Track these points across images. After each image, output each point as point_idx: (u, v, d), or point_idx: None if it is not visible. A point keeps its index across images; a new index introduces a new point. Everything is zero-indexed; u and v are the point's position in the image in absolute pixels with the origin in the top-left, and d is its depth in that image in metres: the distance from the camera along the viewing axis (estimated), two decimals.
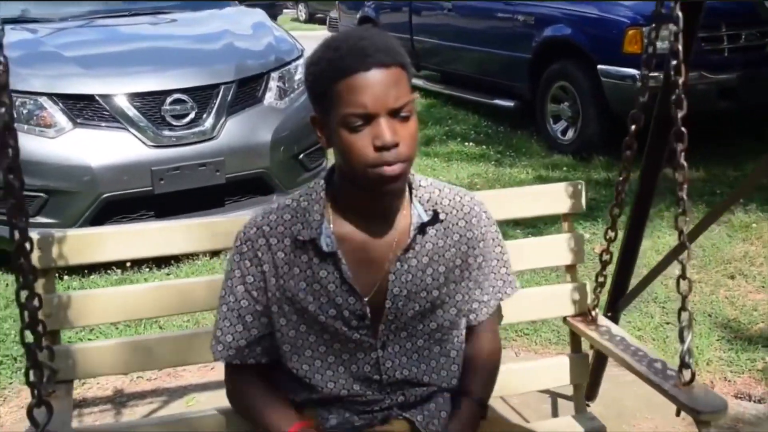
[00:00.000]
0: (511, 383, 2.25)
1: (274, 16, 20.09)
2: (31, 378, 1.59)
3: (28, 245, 1.63)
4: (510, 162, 6.65)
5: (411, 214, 1.68)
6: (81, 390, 3.31)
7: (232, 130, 4.64)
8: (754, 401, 3.15)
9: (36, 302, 1.67)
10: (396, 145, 1.50)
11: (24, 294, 1.59)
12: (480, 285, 1.81)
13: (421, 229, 1.68)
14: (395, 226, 1.67)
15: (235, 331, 1.69)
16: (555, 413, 3.00)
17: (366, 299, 1.64)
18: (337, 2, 12.52)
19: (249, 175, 4.72)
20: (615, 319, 2.78)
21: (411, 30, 9.40)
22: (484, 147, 7.15)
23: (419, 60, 9.51)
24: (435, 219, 1.70)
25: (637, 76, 5.07)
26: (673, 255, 2.05)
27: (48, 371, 1.84)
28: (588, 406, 3.04)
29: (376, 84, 1.48)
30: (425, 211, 1.69)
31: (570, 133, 6.79)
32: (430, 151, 7.10)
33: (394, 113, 1.50)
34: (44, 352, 1.83)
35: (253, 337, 1.69)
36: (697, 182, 5.80)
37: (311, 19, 22.26)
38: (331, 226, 1.64)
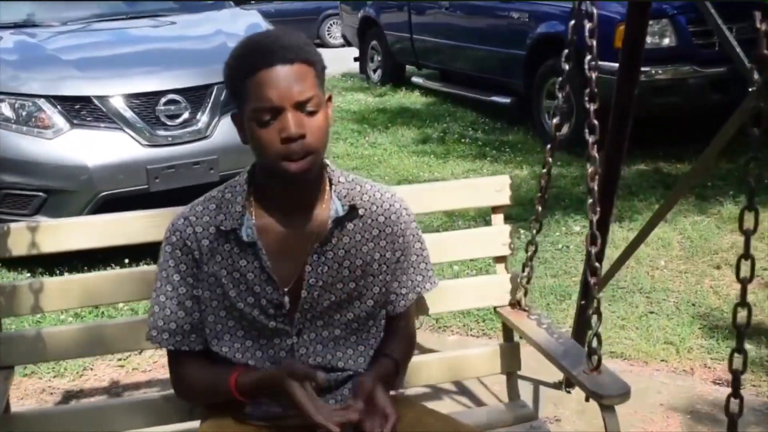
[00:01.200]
0: (443, 370, 2.31)
1: None
2: None
3: None
4: (506, 158, 6.72)
5: (330, 207, 1.74)
6: (78, 381, 3.40)
7: (226, 129, 4.71)
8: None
9: None
10: (302, 137, 1.58)
11: None
12: (398, 278, 1.86)
13: (338, 222, 1.74)
14: (314, 219, 1.73)
15: (177, 318, 1.73)
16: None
17: (286, 289, 1.71)
18: (339, 3, 12.60)
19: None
20: (587, 307, 2.86)
21: (410, 29, 9.48)
22: (480, 143, 7.22)
23: (419, 58, 9.60)
24: (352, 214, 1.76)
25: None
26: (630, 248, 2.11)
27: None
28: (569, 392, 3.14)
29: (280, 79, 1.57)
30: (342, 206, 1.74)
31: (566, 129, 6.84)
32: (427, 148, 7.17)
33: (300, 107, 1.58)
34: None
35: (196, 321, 1.74)
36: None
37: None
38: (253, 217, 1.71)
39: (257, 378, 1.67)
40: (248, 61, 1.59)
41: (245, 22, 5.75)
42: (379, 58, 10.76)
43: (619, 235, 4.69)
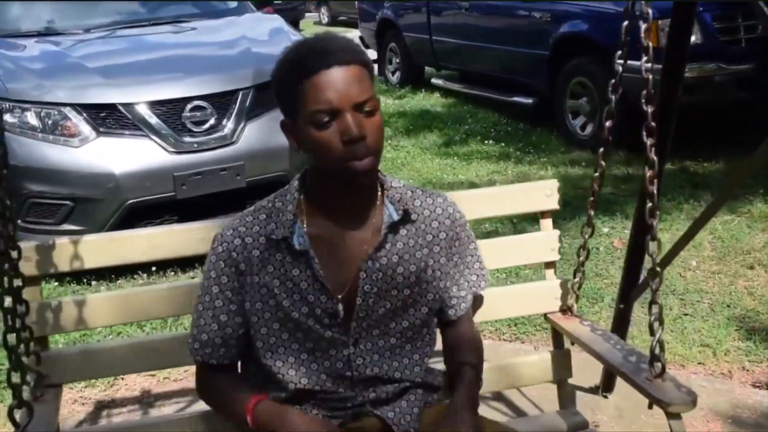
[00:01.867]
0: (494, 380, 2.28)
1: (296, 21, 20.07)
2: (13, 380, 1.62)
3: (15, 253, 1.68)
4: (530, 159, 6.67)
5: (383, 213, 1.72)
6: (110, 391, 3.39)
7: (252, 135, 4.72)
8: None
9: (23, 308, 1.73)
10: (363, 138, 1.55)
11: (8, 300, 1.63)
12: (456, 282, 1.85)
13: (393, 228, 1.72)
14: (367, 225, 1.71)
15: (210, 330, 1.72)
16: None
17: (339, 297, 1.68)
18: (356, 3, 12.58)
19: (269, 179, 4.78)
20: (628, 311, 2.83)
21: (430, 30, 9.44)
22: (503, 145, 7.18)
23: (438, 60, 9.56)
24: (406, 218, 1.74)
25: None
26: (676, 248, 2.08)
27: (35, 375, 1.89)
28: (606, 397, 3.10)
29: (338, 80, 1.55)
30: (396, 210, 1.72)
31: (589, 129, 6.80)
32: (449, 150, 7.13)
33: (358, 108, 1.56)
34: (31, 357, 1.88)
35: (228, 336, 1.73)
36: (716, 174, 5.80)
37: (334, 21, 22.32)
38: (305, 225, 1.69)
39: (274, 414, 1.67)
40: (305, 64, 1.56)
41: (268, 27, 5.74)
42: (398, 60, 10.73)
43: None
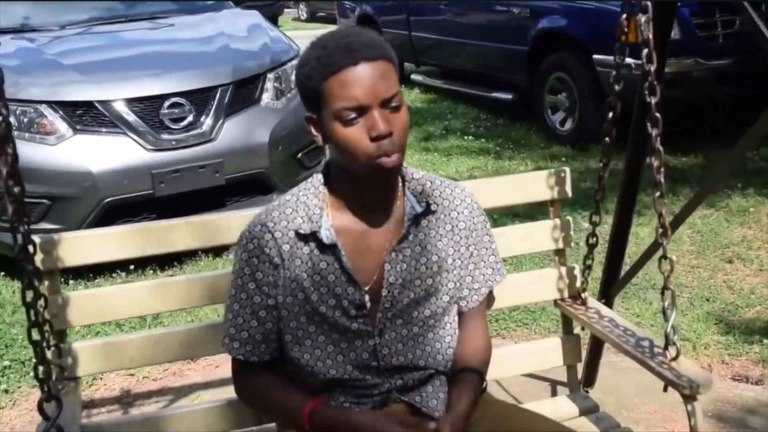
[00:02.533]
0: (505, 366, 2.30)
1: (275, 17, 19.96)
2: (40, 374, 1.64)
3: (31, 248, 1.68)
4: (509, 154, 6.69)
5: (405, 205, 1.73)
6: (89, 391, 3.36)
7: (231, 132, 4.68)
8: (752, 383, 3.18)
9: (42, 302, 1.73)
10: (391, 134, 1.56)
11: (29, 294, 1.64)
12: (471, 273, 1.86)
13: (415, 220, 1.74)
14: (390, 217, 1.73)
15: (250, 327, 1.73)
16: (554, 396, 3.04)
17: (366, 289, 1.70)
18: (336, 1, 12.55)
19: (248, 176, 4.77)
20: (609, 305, 2.82)
21: (409, 26, 9.44)
22: (483, 140, 7.19)
23: (418, 56, 9.55)
24: (428, 210, 1.75)
25: (633, 65, 5.10)
26: (656, 243, 2.08)
27: (57, 369, 1.90)
28: (587, 392, 3.10)
29: (365, 77, 1.55)
30: (418, 202, 1.74)
31: (568, 124, 6.82)
32: (429, 146, 7.14)
33: (385, 104, 1.57)
34: (52, 351, 1.89)
35: (268, 331, 1.74)
36: (695, 169, 5.83)
37: (313, 18, 22.28)
38: (330, 218, 1.70)
39: (336, 417, 1.68)
40: (331, 60, 1.56)
41: (246, 23, 5.70)
42: None
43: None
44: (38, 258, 1.87)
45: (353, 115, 1.56)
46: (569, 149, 6.58)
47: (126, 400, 3.33)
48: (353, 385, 1.75)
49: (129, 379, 3.45)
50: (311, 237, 1.69)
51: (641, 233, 4.59)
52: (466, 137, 7.33)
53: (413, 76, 9.91)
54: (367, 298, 1.70)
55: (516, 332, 3.71)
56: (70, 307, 1.97)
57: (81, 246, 2.00)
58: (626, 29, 1.97)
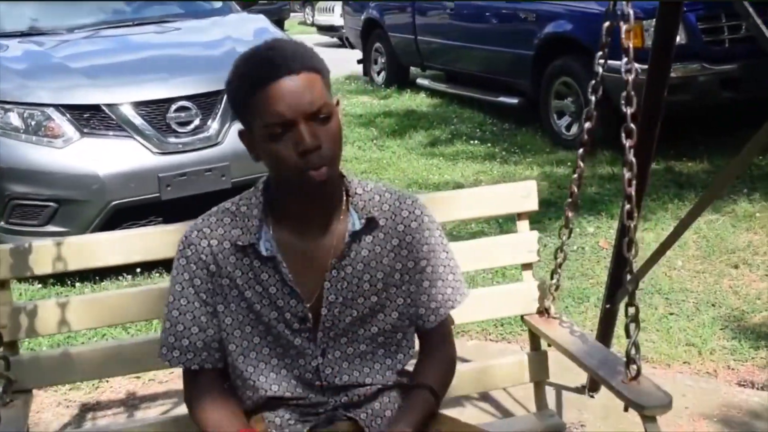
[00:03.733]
0: (470, 382, 2.28)
1: (281, 21, 20.03)
2: None
3: None
4: (515, 159, 6.69)
5: (347, 221, 1.69)
6: (95, 394, 3.37)
7: (237, 136, 4.68)
8: (757, 388, 3.17)
9: None
10: (318, 148, 1.53)
11: None
12: (426, 291, 1.78)
13: (355, 236, 1.69)
14: (332, 233, 1.68)
15: (191, 334, 1.68)
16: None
17: (308, 305, 1.66)
18: (342, 4, 12.57)
19: (254, 180, 4.68)
20: (614, 311, 2.83)
21: (415, 30, 9.45)
22: (489, 145, 7.19)
23: (424, 60, 9.56)
24: (370, 226, 1.71)
25: (639, 70, 5.08)
26: (662, 248, 2.09)
27: (3, 381, 1.87)
28: (592, 397, 3.10)
29: (289, 91, 1.51)
30: (359, 219, 1.69)
31: (574, 129, 6.81)
32: (435, 150, 7.14)
33: (312, 117, 1.53)
34: (0, 363, 1.87)
35: (210, 338, 1.69)
36: (700, 174, 5.82)
37: None
38: (271, 231, 1.66)
39: None
40: (253, 77, 1.53)
41: (253, 27, 5.71)
42: (383, 60, 10.72)
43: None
44: None
45: (280, 131, 1.52)
46: (575, 154, 6.53)
47: (131, 402, 3.33)
48: (297, 404, 1.71)
49: (135, 382, 3.45)
50: (250, 249, 1.66)
51: (647, 238, 4.58)
52: (471, 142, 7.33)
53: (419, 80, 9.92)
54: (309, 313, 1.66)
55: (522, 336, 3.69)
56: (21, 317, 1.95)
57: (88, 249, 2.00)
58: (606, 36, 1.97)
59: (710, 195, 2.31)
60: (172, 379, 3.47)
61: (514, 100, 7.74)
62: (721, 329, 3.61)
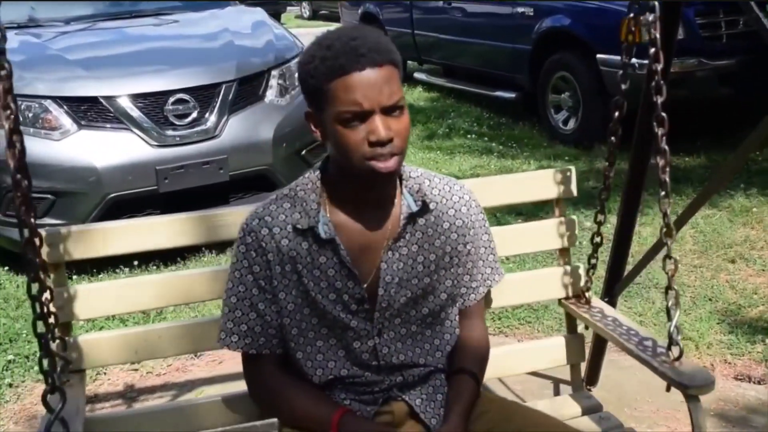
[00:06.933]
0: (508, 364, 2.31)
1: (277, 14, 20.03)
2: (45, 366, 1.64)
3: (37, 241, 1.69)
4: (513, 153, 6.69)
5: (402, 204, 1.74)
6: (92, 386, 3.37)
7: (235, 128, 4.70)
8: (754, 382, 3.19)
9: (47, 294, 1.74)
10: (390, 140, 1.56)
11: (35, 287, 1.64)
12: (469, 272, 1.86)
13: (411, 219, 1.74)
14: (387, 215, 1.73)
15: (249, 320, 1.73)
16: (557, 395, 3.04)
17: (364, 286, 1.70)
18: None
19: (252, 172, 4.78)
20: (612, 304, 2.82)
21: (412, 24, 9.44)
22: (486, 139, 7.19)
23: (421, 54, 9.55)
24: (424, 209, 1.75)
25: (637, 65, 5.08)
26: (659, 244, 2.09)
27: (61, 361, 1.90)
28: (589, 391, 3.11)
29: (369, 83, 1.55)
30: (415, 201, 1.74)
31: (571, 123, 6.82)
32: (432, 144, 7.14)
33: (387, 110, 1.57)
34: (57, 343, 1.90)
35: (268, 324, 1.73)
36: (698, 169, 5.84)
37: (315, 15, 22.25)
38: (328, 214, 1.70)
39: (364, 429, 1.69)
40: (336, 63, 1.55)
41: (250, 20, 5.72)
42: None
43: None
44: (44, 251, 1.88)
45: (355, 120, 1.56)
46: (572, 148, 6.58)
47: (130, 394, 3.34)
48: (353, 382, 1.75)
49: (133, 374, 3.46)
50: (309, 232, 1.69)
51: (644, 233, 4.59)
52: (469, 136, 7.34)
53: (416, 75, 9.91)
54: (365, 294, 1.70)
55: (519, 330, 3.71)
56: (75, 300, 1.98)
57: (86, 240, 2.00)
58: (633, 29, 1.97)
59: (710, 190, 2.32)
60: (169, 371, 3.49)
61: (512, 95, 7.73)
62: (718, 323, 3.62)
